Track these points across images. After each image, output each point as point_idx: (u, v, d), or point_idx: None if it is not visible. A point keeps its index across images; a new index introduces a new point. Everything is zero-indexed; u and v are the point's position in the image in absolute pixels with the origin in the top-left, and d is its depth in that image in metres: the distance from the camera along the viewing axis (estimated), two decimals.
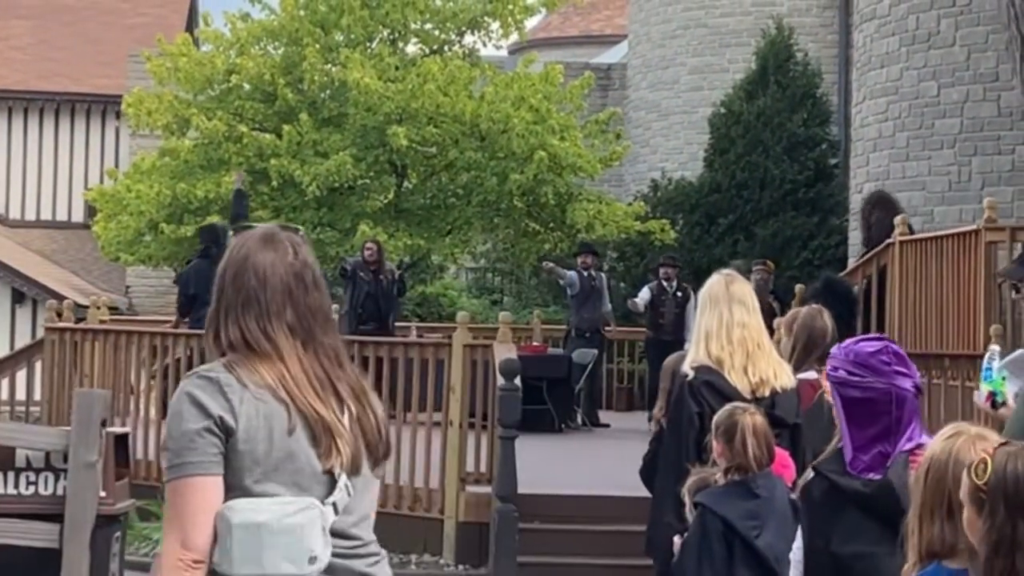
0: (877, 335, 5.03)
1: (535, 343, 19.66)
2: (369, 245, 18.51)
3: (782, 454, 6.12)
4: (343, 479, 3.44)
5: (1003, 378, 6.38)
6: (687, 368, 6.43)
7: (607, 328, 18.95)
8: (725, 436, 5.95)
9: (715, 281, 6.55)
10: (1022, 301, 7.53)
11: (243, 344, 3.50)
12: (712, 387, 6.30)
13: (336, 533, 3.43)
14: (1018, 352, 6.75)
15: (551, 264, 19.45)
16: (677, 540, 6.17)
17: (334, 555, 3.41)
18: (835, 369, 4.69)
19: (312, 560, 3.36)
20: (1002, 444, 3.29)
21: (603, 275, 19.66)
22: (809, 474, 4.74)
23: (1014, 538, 3.18)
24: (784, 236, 23.45)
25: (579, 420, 18.39)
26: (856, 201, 21.05)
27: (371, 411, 3.56)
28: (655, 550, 6.78)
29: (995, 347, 6.88)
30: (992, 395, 6.37)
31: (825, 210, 24.01)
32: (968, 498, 3.26)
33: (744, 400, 6.18)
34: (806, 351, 6.92)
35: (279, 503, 3.37)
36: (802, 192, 24.02)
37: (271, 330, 3.51)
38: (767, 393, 6.31)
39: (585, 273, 18.51)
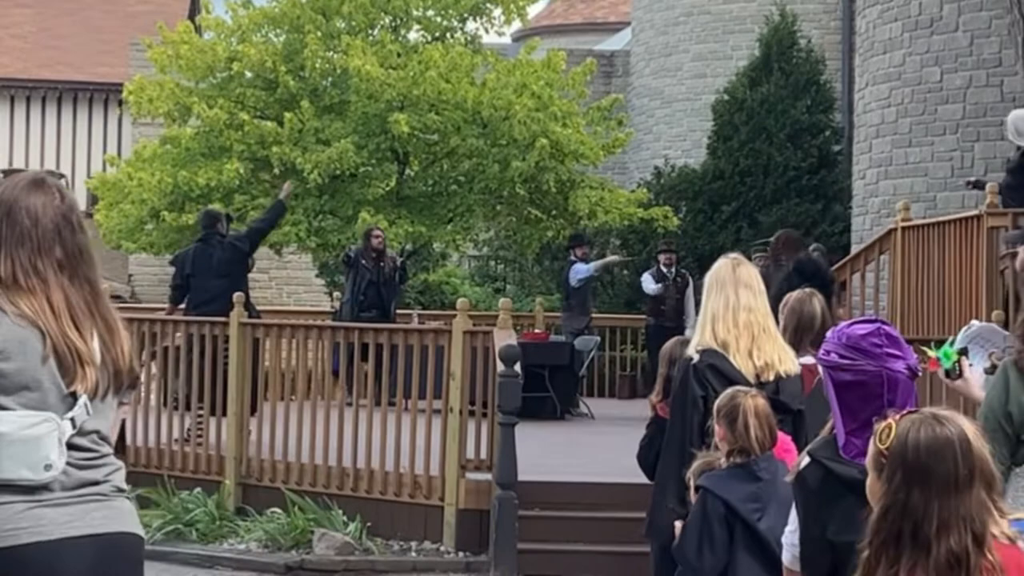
0: (871, 317, 4.94)
1: (537, 330, 19.64)
2: (377, 233, 18.49)
3: (784, 439, 6.08)
4: (83, 399, 3.82)
5: (959, 350, 6.20)
6: (692, 351, 6.39)
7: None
8: (727, 419, 5.91)
9: (721, 264, 6.52)
10: (1007, 272, 7.42)
11: (11, 277, 3.83)
12: (717, 371, 6.26)
13: (73, 447, 3.81)
14: (982, 324, 6.67)
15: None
16: (678, 524, 6.13)
17: (71, 465, 3.80)
18: (827, 352, 4.61)
19: (48, 467, 3.75)
20: (909, 412, 3.26)
21: None
22: (803, 460, 4.66)
23: (906, 504, 3.14)
24: (788, 223, 23.36)
25: (582, 407, 18.40)
26: (859, 188, 21.01)
27: (119, 343, 3.98)
28: (656, 534, 6.74)
29: (975, 322, 6.78)
30: (937, 361, 6.20)
31: (829, 197, 23.96)
32: (870, 463, 3.24)
33: (749, 384, 6.14)
34: (797, 336, 6.87)
35: (20, 416, 3.73)
36: (806, 179, 23.97)
37: (41, 265, 3.85)
38: (772, 377, 6.27)
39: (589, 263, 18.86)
